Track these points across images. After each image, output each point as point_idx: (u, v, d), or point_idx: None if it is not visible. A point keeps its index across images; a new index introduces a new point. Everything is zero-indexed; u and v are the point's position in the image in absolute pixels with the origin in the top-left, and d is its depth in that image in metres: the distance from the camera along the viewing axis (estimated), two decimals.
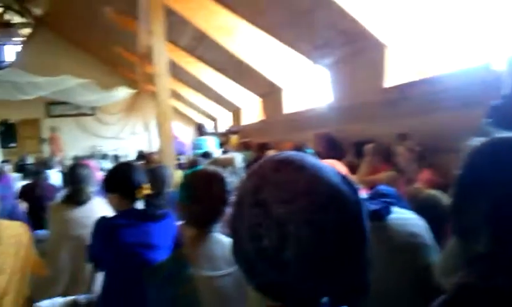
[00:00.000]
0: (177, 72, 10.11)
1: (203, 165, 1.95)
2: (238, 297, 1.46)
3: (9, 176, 4.60)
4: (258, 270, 0.71)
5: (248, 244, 0.71)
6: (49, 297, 2.64)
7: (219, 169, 1.70)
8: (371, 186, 2.19)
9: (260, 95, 8.92)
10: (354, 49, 4.99)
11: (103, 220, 2.21)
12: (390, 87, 4.54)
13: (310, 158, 0.74)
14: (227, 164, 2.63)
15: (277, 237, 0.67)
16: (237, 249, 0.76)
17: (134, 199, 2.28)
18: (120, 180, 2.28)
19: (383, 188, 1.91)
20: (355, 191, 0.72)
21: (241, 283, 1.48)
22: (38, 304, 2.48)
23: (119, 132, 15.69)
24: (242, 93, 9.36)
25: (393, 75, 4.56)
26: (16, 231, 1.96)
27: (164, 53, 5.04)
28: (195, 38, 7.88)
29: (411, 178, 3.55)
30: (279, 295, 0.72)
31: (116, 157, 10.03)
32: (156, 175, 3.00)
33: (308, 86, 7.23)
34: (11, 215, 3.35)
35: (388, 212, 1.72)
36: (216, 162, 2.69)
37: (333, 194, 0.68)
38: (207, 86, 10.00)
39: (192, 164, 3.79)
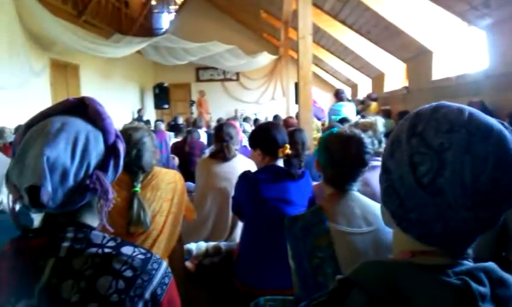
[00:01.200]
0: (319, 37, 10.02)
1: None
2: (375, 257, 1.43)
3: (164, 133, 5.08)
4: (410, 207, 0.73)
5: (403, 174, 0.73)
6: (195, 240, 2.90)
7: (356, 131, 1.65)
8: None
9: (405, 60, 8.40)
10: None
11: (246, 175, 2.35)
12: None
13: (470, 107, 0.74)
14: (368, 127, 2.55)
15: (434, 164, 0.69)
16: (388, 186, 0.78)
17: (275, 157, 2.37)
18: (264, 137, 2.40)
19: None
20: None
21: (380, 244, 1.46)
22: (185, 245, 2.73)
23: (259, 97, 16.27)
24: (385, 58, 8.92)
25: None
26: (173, 178, 2.17)
27: (309, 16, 5.02)
28: (340, 0, 7.68)
29: None
30: (429, 235, 0.73)
31: (256, 121, 10.40)
32: (295, 137, 3.05)
33: (461, 50, 6.59)
34: (165, 167, 3.70)
35: None
36: (357, 125, 2.63)
37: (493, 130, 0.68)
38: (349, 50, 9.75)
39: (330, 129, 3.77)
